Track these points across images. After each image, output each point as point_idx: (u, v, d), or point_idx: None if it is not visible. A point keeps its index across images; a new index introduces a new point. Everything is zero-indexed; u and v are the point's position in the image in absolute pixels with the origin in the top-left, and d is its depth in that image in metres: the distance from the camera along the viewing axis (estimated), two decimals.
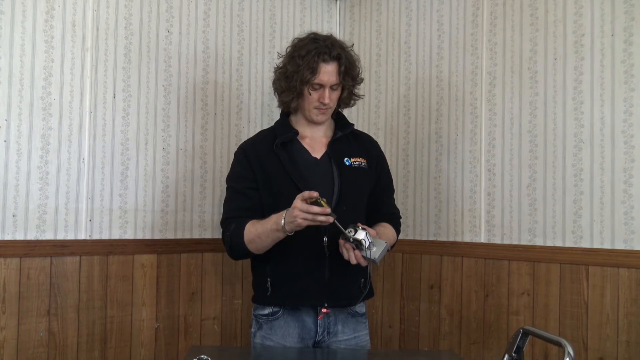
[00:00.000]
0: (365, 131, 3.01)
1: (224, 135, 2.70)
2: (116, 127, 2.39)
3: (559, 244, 2.27)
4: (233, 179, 2.03)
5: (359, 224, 1.77)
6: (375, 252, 1.75)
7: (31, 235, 2.18)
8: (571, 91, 2.25)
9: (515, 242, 2.40)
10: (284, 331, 1.94)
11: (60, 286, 2.23)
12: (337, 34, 3.15)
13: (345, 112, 2.18)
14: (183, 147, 2.58)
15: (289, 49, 2.00)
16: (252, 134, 2.75)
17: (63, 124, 2.26)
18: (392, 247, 2.08)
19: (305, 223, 1.72)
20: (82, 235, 2.29)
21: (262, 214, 1.92)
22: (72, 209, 2.27)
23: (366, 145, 2.10)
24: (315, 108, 1.97)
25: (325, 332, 1.95)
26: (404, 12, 2.87)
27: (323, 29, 3.09)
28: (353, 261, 1.78)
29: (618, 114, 2.13)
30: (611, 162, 2.14)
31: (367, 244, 1.74)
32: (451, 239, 2.63)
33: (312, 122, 2.02)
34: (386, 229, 2.04)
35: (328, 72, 1.92)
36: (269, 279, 1.94)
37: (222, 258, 2.66)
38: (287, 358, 1.93)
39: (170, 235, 2.53)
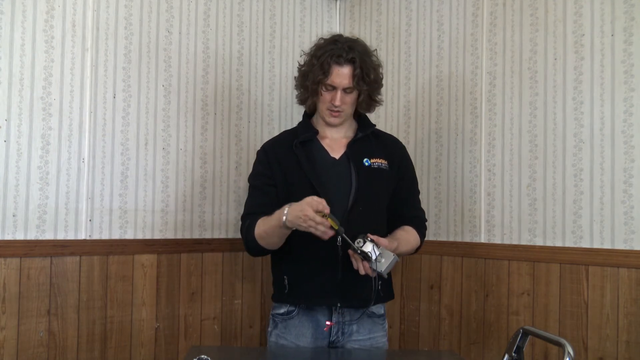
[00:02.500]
0: None
1: (224, 135, 2.70)
2: (116, 127, 2.39)
3: (559, 244, 2.27)
4: (253, 177, 2.08)
5: (369, 235, 1.78)
6: (382, 265, 1.77)
7: (31, 235, 2.18)
8: (571, 91, 2.25)
9: (515, 242, 2.40)
10: (298, 330, 1.95)
11: (60, 286, 2.23)
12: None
13: None
14: (183, 147, 2.58)
15: (311, 48, 2.03)
16: (252, 134, 2.77)
17: (63, 124, 2.26)
18: (416, 250, 2.09)
19: (305, 229, 1.74)
20: (82, 235, 2.29)
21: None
22: (72, 209, 2.27)
23: (388, 146, 2.10)
24: (328, 109, 1.99)
25: (340, 332, 1.96)
26: (404, 12, 2.87)
27: (323, 29, 3.09)
28: (361, 272, 1.80)
29: (618, 114, 2.13)
30: (611, 162, 2.14)
31: (374, 256, 1.76)
32: (451, 239, 2.63)
33: (327, 124, 2.04)
34: (408, 233, 2.03)
35: (340, 74, 1.93)
36: (285, 277, 1.97)
37: (222, 258, 2.66)
38: (296, 357, 1.93)
39: (170, 235, 2.53)
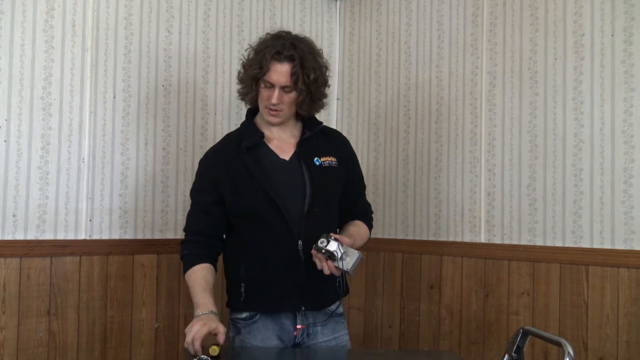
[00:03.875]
0: (365, 131, 3.02)
1: (223, 135, 2.70)
2: (116, 127, 2.39)
3: (559, 244, 2.27)
4: (196, 191, 1.97)
5: (332, 234, 1.75)
6: (348, 263, 1.74)
7: (31, 235, 2.18)
8: (571, 91, 2.25)
9: (515, 242, 2.40)
10: (263, 334, 1.89)
11: (60, 286, 2.23)
12: (337, 34, 3.15)
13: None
14: (183, 147, 2.58)
15: (256, 42, 1.93)
16: None
17: (63, 124, 2.26)
18: (364, 243, 2.04)
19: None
20: (82, 235, 2.29)
21: (227, 229, 1.93)
22: (72, 209, 2.27)
23: (336, 143, 2.03)
24: (266, 107, 1.90)
25: (305, 334, 1.92)
26: (404, 12, 2.87)
27: (323, 29, 3.09)
28: (326, 272, 1.76)
29: (618, 114, 2.13)
30: (611, 162, 2.14)
31: (340, 255, 1.73)
32: (451, 239, 2.63)
33: (267, 123, 1.95)
34: (359, 228, 2.00)
35: (278, 71, 1.83)
36: (242, 284, 1.90)
37: (221, 258, 2.65)
38: (272, 358, 1.91)
39: (170, 235, 2.53)
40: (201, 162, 2.00)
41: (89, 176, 2.32)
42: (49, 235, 2.22)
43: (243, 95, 1.97)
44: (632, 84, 2.10)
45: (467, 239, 2.57)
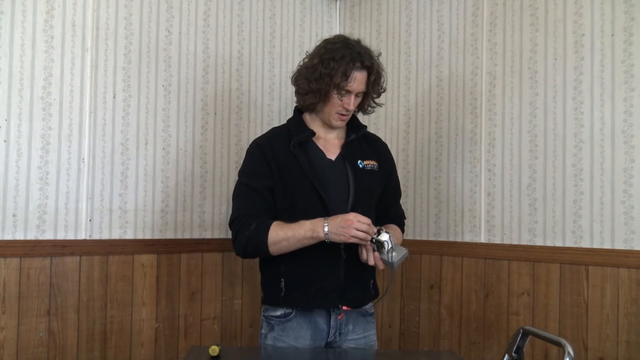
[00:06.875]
0: None
1: (224, 135, 2.70)
2: (116, 127, 2.39)
3: (559, 244, 2.27)
4: (249, 176, 1.96)
5: (383, 227, 1.80)
6: (395, 257, 1.77)
7: (31, 235, 2.18)
8: (571, 91, 2.25)
9: (515, 242, 2.40)
10: (297, 333, 1.93)
11: (60, 286, 2.22)
12: (337, 34, 3.14)
13: None
14: (183, 147, 2.58)
15: (321, 50, 1.94)
16: (251, 134, 2.76)
17: (63, 124, 2.26)
18: None
19: (352, 240, 1.76)
20: (82, 235, 2.29)
21: (275, 217, 1.92)
22: (72, 209, 2.27)
23: (378, 149, 2.10)
24: (337, 113, 1.95)
25: (337, 333, 1.96)
26: (404, 12, 2.87)
27: (323, 29, 3.09)
28: (371, 262, 1.81)
29: (618, 114, 2.13)
30: (611, 162, 2.14)
31: (389, 247, 1.76)
32: (451, 239, 2.63)
33: (329, 126, 2.01)
34: (395, 230, 2.05)
35: (359, 80, 1.91)
36: (282, 280, 1.92)
37: (222, 258, 2.66)
38: (296, 358, 1.92)
39: (170, 235, 2.53)
40: (252, 149, 2.00)
41: (89, 176, 2.32)
42: (49, 235, 2.22)
43: (311, 105, 1.98)
44: (632, 84, 2.10)
45: (467, 239, 2.57)
